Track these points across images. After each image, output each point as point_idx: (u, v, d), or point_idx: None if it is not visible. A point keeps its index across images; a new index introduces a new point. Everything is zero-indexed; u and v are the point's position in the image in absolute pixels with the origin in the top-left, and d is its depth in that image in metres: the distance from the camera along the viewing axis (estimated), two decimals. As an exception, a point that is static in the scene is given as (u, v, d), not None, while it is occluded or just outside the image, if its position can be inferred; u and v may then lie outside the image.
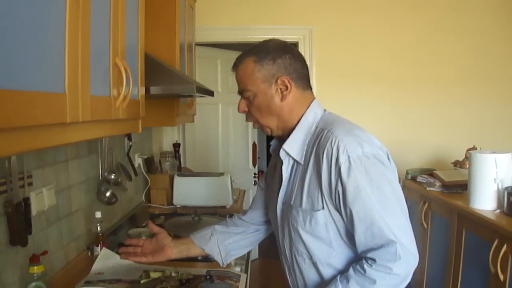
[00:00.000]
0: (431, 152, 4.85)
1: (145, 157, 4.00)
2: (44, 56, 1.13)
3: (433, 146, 4.88)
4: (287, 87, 1.70)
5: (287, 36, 4.76)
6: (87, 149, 2.70)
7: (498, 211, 3.10)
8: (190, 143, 5.36)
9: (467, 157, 3.63)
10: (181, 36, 3.35)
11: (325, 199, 1.62)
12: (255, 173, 6.07)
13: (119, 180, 3.03)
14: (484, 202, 3.18)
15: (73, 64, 1.28)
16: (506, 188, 3.05)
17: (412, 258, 1.57)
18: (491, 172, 3.15)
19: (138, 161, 3.84)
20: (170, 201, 4.00)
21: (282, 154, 1.75)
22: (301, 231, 1.70)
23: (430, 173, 4.21)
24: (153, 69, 2.43)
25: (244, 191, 4.80)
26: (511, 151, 3.24)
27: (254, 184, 5.98)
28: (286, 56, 1.71)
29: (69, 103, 1.24)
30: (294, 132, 1.74)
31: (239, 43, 5.02)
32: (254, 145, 6.13)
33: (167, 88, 2.47)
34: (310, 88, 1.80)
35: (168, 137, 5.01)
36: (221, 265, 2.15)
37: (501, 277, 2.70)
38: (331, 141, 1.59)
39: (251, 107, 1.76)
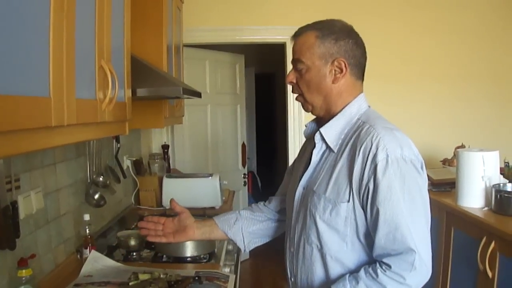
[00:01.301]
0: (419, 150, 4.80)
1: (134, 159, 4.00)
2: (28, 59, 1.13)
3: (421, 144, 4.85)
4: (342, 70, 1.68)
5: (274, 37, 4.77)
6: (75, 151, 2.69)
7: (486, 208, 3.12)
8: (179, 144, 5.36)
9: (455, 155, 3.65)
10: (168, 38, 3.35)
11: (353, 193, 1.58)
12: (244, 174, 6.07)
13: (108, 182, 3.03)
14: (472, 200, 3.19)
15: (58, 67, 1.27)
16: (494, 185, 3.07)
17: (426, 272, 1.54)
18: (479, 170, 3.16)
19: (126, 163, 3.83)
20: (159, 203, 3.99)
21: (317, 137, 1.71)
22: (318, 219, 1.65)
23: (418, 171, 4.22)
24: (140, 71, 2.43)
25: (234, 192, 4.81)
26: (499, 149, 3.26)
27: (244, 185, 5.99)
28: (349, 41, 1.69)
29: (54, 106, 1.24)
30: (335, 118, 1.70)
31: (227, 44, 5.03)
32: (243, 145, 6.12)
33: (154, 90, 2.47)
34: (363, 79, 1.79)
35: (157, 138, 5.00)
36: (242, 251, 2.12)
37: (490, 274, 2.72)
38: (372, 136, 1.57)
39: (300, 80, 1.72)
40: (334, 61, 1.67)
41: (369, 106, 1.77)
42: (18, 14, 1.07)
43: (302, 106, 1.79)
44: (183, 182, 4.02)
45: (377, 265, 1.54)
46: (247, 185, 6.14)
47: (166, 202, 3.92)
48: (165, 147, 4.67)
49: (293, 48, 1.74)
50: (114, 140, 3.35)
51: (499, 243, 2.69)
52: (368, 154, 1.54)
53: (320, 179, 1.68)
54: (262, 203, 2.12)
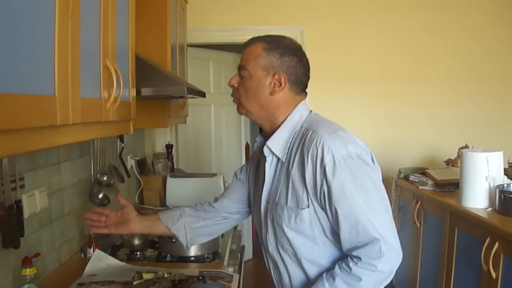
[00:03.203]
0: (423, 151, 4.87)
1: (138, 158, 4.01)
2: (33, 58, 1.13)
3: (426, 145, 4.89)
4: (280, 84, 1.74)
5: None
6: (79, 151, 2.70)
7: (489, 209, 3.11)
8: (183, 144, 5.36)
9: (459, 156, 3.64)
10: (172, 38, 3.35)
11: (310, 198, 1.65)
12: (248, 174, 6.05)
13: (112, 181, 3.04)
14: (476, 200, 3.19)
15: (63, 66, 1.28)
16: (498, 186, 3.06)
17: (396, 255, 1.60)
18: (483, 171, 3.16)
19: (130, 162, 3.84)
20: (163, 202, 4.00)
21: (266, 151, 1.78)
22: (285, 228, 1.73)
23: (422, 172, 4.22)
24: (144, 71, 2.43)
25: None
26: (503, 150, 3.26)
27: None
28: (293, 58, 1.76)
29: (59, 105, 1.24)
30: (279, 130, 1.77)
31: (230, 44, 5.02)
32: (247, 145, 6.13)
33: (158, 89, 2.47)
34: (305, 94, 1.85)
35: (160, 138, 5.01)
36: (185, 247, 2.17)
37: (493, 274, 2.71)
38: (316, 141, 1.63)
39: (241, 86, 1.79)
40: (275, 74, 1.74)
41: (310, 111, 1.84)
42: (23, 13, 1.07)
43: (237, 108, 1.86)
44: (187, 181, 4.02)
45: (349, 259, 1.62)
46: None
47: (170, 202, 3.93)
48: (169, 147, 4.67)
49: (241, 55, 1.82)
50: (118, 140, 3.35)
51: (503, 244, 2.68)
52: (316, 159, 1.62)
53: (280, 191, 1.76)
54: (207, 202, 2.18)
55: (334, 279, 1.60)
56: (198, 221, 2.10)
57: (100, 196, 2.87)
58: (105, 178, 2.98)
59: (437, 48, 4.87)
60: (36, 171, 2.18)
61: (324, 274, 1.65)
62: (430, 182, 3.91)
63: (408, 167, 4.51)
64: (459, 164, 3.47)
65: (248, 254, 5.88)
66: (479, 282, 2.90)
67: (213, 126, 5.70)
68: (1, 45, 0.97)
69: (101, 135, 1.76)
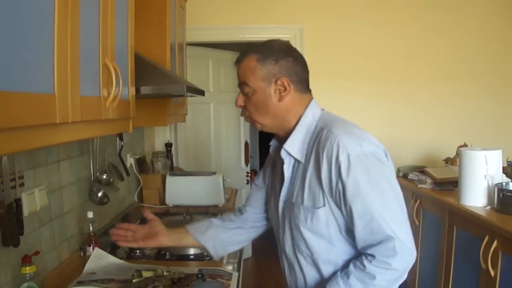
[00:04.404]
0: (422, 149, 4.87)
1: (137, 157, 4.01)
2: (32, 56, 1.13)
3: (424, 143, 4.90)
4: (285, 88, 1.73)
5: (277, 35, 4.75)
6: (78, 149, 2.70)
7: (488, 207, 3.12)
8: (182, 142, 5.36)
9: (458, 154, 3.65)
10: (172, 36, 3.36)
11: (326, 197, 1.66)
12: (247, 172, 6.07)
13: (111, 180, 3.04)
14: (475, 198, 3.19)
15: (63, 64, 1.28)
16: (496, 184, 3.07)
17: (410, 253, 1.60)
18: (482, 169, 3.16)
19: (130, 161, 3.84)
20: (162, 201, 4.00)
21: (283, 153, 1.78)
22: (302, 228, 1.73)
23: (421, 170, 4.23)
24: (144, 69, 2.44)
25: (237, 190, 4.81)
26: (501, 148, 3.26)
27: (247, 183, 5.98)
28: (288, 59, 1.74)
29: (59, 103, 1.25)
30: (294, 132, 1.76)
31: (230, 43, 5.03)
32: (246, 144, 6.13)
33: (158, 88, 2.47)
34: (309, 90, 1.84)
35: (160, 136, 5.01)
36: (214, 258, 2.17)
37: (492, 272, 2.72)
38: (331, 140, 1.63)
39: (248, 103, 1.78)
40: (277, 80, 1.73)
41: (322, 109, 1.83)
42: (23, 12, 1.08)
43: (252, 125, 1.85)
44: (186, 180, 4.02)
45: (363, 257, 1.62)
46: (249, 184, 6.14)
47: (169, 200, 3.94)
48: (168, 145, 4.67)
49: (237, 73, 1.80)
50: (118, 138, 3.35)
51: (501, 242, 2.69)
52: (331, 157, 1.61)
53: (296, 191, 1.75)
54: (233, 213, 2.18)
55: (348, 277, 1.61)
56: (226, 231, 2.11)
57: (100, 194, 2.87)
58: (104, 177, 2.98)
59: (436, 47, 4.87)
60: (36, 169, 2.18)
61: (339, 273, 1.65)
62: (429, 181, 3.92)
63: (407, 165, 4.52)
64: (458, 163, 3.47)
65: (248, 252, 5.89)
66: (477, 280, 2.91)
67: (212, 125, 5.70)
68: (0, 43, 0.98)
69: (100, 133, 1.76)
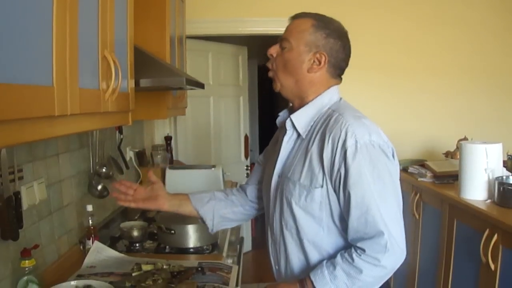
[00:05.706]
0: (422, 143, 4.86)
1: (137, 150, 4.00)
2: (31, 48, 1.12)
3: (425, 137, 4.89)
4: (320, 63, 1.75)
5: (277, 28, 4.71)
6: (78, 142, 2.69)
7: (488, 201, 3.11)
8: (182, 136, 5.35)
9: (458, 148, 3.64)
10: (171, 29, 3.34)
11: (326, 178, 1.65)
12: (247, 166, 6.07)
13: (111, 173, 3.03)
14: (475, 192, 3.19)
15: (61, 57, 1.27)
16: (497, 178, 3.06)
17: (400, 253, 1.60)
18: (482, 162, 3.15)
19: (129, 154, 3.83)
20: (162, 194, 3.98)
21: (288, 124, 1.79)
22: (294, 205, 1.72)
23: (421, 163, 4.22)
24: (143, 62, 2.43)
25: (236, 183, 4.80)
26: (502, 142, 3.25)
27: (247, 177, 5.96)
28: (338, 42, 1.76)
29: (57, 96, 1.24)
30: (306, 106, 1.78)
31: (230, 36, 5.01)
32: (246, 137, 6.12)
33: (157, 80, 2.47)
34: (340, 79, 1.86)
35: (159, 130, 5.01)
36: (209, 231, 2.14)
37: (492, 266, 2.72)
38: (341, 124, 1.63)
39: (279, 57, 1.79)
40: (317, 52, 1.74)
41: (341, 98, 1.84)
42: (21, 3, 1.07)
43: (272, 84, 1.85)
44: (186, 173, 4.01)
45: (352, 249, 1.61)
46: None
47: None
48: (168, 139, 4.67)
49: (287, 27, 1.81)
50: (117, 131, 3.35)
51: (501, 236, 2.68)
52: (338, 141, 1.61)
53: (294, 166, 1.75)
54: (235, 189, 2.18)
55: (334, 267, 1.59)
56: (226, 207, 2.10)
57: (99, 187, 2.87)
58: (104, 170, 2.97)
59: (436, 41, 4.85)
60: (35, 162, 2.17)
61: (324, 262, 1.64)
62: (429, 174, 3.91)
63: (407, 159, 4.51)
64: (458, 156, 3.46)
65: (247, 245, 5.90)
66: (478, 274, 2.91)
67: (212, 118, 5.69)
68: (-2, 34, 0.97)
69: (99, 126, 1.76)
